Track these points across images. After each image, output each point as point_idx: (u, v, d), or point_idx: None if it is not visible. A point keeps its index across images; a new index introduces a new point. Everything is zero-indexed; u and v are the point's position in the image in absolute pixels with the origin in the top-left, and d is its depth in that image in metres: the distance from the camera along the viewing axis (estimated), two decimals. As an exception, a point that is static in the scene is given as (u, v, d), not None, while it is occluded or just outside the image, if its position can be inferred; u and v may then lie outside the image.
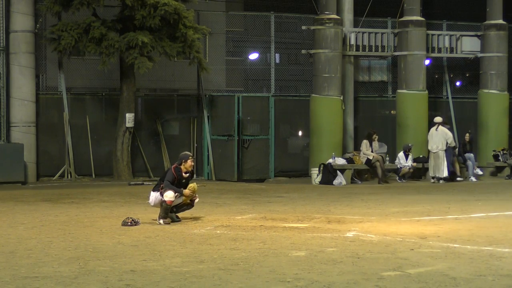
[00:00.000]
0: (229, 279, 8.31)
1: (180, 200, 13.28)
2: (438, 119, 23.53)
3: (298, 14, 27.15)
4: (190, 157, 13.46)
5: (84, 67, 24.26)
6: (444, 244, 10.74)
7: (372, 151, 23.13)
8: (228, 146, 24.19)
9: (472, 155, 24.34)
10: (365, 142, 23.32)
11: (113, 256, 9.81)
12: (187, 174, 13.41)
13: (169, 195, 13.01)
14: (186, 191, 13.25)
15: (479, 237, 11.47)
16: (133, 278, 8.38)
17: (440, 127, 23.11)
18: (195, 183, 13.77)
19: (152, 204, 13.41)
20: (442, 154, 22.91)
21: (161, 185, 13.28)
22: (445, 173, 22.89)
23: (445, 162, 22.93)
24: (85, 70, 24.35)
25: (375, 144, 23.33)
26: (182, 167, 13.37)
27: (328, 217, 14.04)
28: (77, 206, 15.94)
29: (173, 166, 13.41)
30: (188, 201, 13.45)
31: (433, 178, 23.09)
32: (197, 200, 13.56)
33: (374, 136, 23.32)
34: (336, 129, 24.36)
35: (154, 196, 13.32)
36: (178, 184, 13.28)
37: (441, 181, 22.97)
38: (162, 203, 13.07)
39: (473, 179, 23.77)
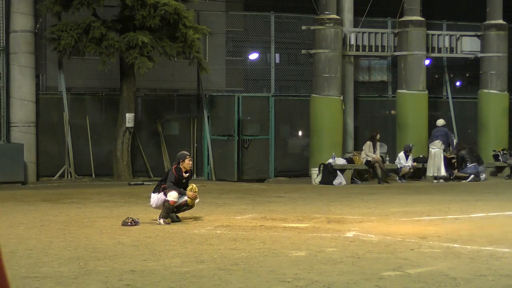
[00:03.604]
0: (229, 279, 8.31)
1: (182, 200, 13.27)
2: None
3: (298, 14, 27.15)
4: (187, 156, 13.45)
5: (84, 67, 24.25)
6: (444, 244, 10.73)
7: (374, 153, 23.11)
8: (228, 146, 24.19)
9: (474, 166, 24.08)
10: (368, 144, 23.30)
11: (113, 256, 9.80)
12: (187, 174, 13.41)
13: (173, 195, 13.00)
14: (190, 193, 13.25)
15: (479, 237, 11.46)
16: (133, 278, 8.38)
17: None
18: (194, 184, 13.76)
19: (154, 206, 13.39)
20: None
21: (162, 186, 13.28)
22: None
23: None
24: (85, 70, 24.34)
25: (378, 145, 23.34)
26: (181, 166, 13.37)
27: (328, 217, 14.03)
28: (77, 206, 15.94)
29: (173, 167, 13.41)
30: (193, 202, 13.45)
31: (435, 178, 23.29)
32: (197, 200, 13.55)
33: (378, 136, 23.32)
34: (336, 129, 24.36)
35: (156, 197, 13.30)
36: (179, 184, 13.28)
37: (441, 180, 23.08)
38: (164, 203, 13.06)
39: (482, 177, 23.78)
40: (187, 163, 13.37)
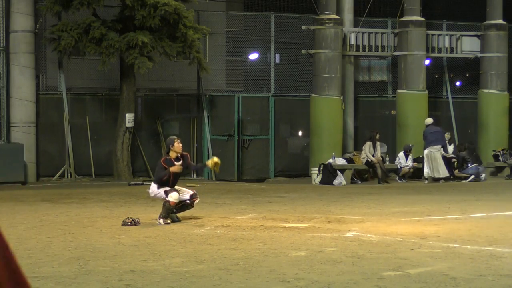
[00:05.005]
0: (229, 279, 8.30)
1: (184, 198, 13.23)
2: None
3: (298, 14, 27.16)
4: (175, 140, 13.31)
5: (84, 67, 24.26)
6: (444, 244, 10.73)
7: (374, 152, 23.08)
8: (228, 146, 24.19)
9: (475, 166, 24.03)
10: (368, 144, 23.28)
11: (113, 256, 9.80)
12: (180, 161, 13.28)
13: (174, 196, 12.96)
14: (212, 162, 13.19)
15: (479, 237, 11.46)
16: (133, 278, 8.38)
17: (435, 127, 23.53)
18: (217, 159, 13.68)
19: (152, 195, 13.34)
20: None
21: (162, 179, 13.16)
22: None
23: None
24: (85, 70, 24.35)
25: (378, 145, 23.33)
26: (171, 153, 13.23)
27: (328, 217, 14.03)
28: (77, 206, 15.94)
29: (162, 160, 13.28)
30: (215, 167, 13.48)
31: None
32: (197, 200, 13.53)
33: (377, 136, 23.31)
34: (336, 129, 24.37)
35: (155, 190, 13.18)
36: (173, 176, 13.16)
37: (441, 181, 23.07)
38: (165, 203, 13.02)
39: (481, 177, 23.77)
40: (177, 147, 13.25)
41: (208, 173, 24.48)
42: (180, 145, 13.35)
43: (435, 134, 23.27)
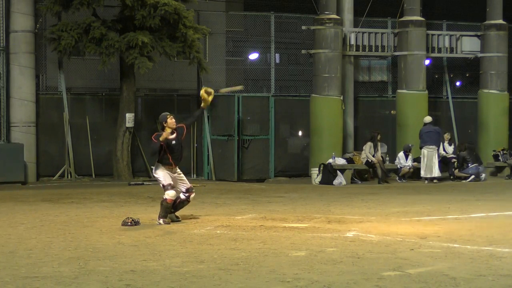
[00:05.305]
0: (229, 279, 8.31)
1: (180, 188, 13.18)
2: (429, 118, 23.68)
3: (298, 14, 27.16)
4: (168, 116, 13.03)
5: (84, 67, 24.25)
6: (444, 244, 10.73)
7: (375, 153, 23.05)
8: (228, 146, 24.20)
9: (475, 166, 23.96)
10: (369, 145, 23.25)
11: (113, 256, 9.81)
12: (173, 135, 13.07)
13: (171, 194, 12.94)
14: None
15: (479, 237, 11.46)
16: (133, 278, 8.38)
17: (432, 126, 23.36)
18: (203, 90, 13.40)
19: (156, 176, 13.20)
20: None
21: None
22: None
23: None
24: (85, 70, 24.35)
25: (379, 146, 23.29)
26: (166, 129, 13.03)
27: (328, 217, 14.03)
28: (77, 206, 15.94)
29: (152, 136, 13.08)
30: (210, 96, 13.26)
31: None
32: (193, 195, 13.41)
33: (379, 137, 23.27)
34: (336, 129, 24.37)
35: (157, 172, 13.11)
36: (169, 150, 13.01)
37: (435, 181, 23.00)
38: (162, 202, 13.01)
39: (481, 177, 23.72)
40: (170, 122, 13.00)
41: (208, 173, 24.49)
42: (173, 120, 13.01)
43: (430, 134, 23.15)
